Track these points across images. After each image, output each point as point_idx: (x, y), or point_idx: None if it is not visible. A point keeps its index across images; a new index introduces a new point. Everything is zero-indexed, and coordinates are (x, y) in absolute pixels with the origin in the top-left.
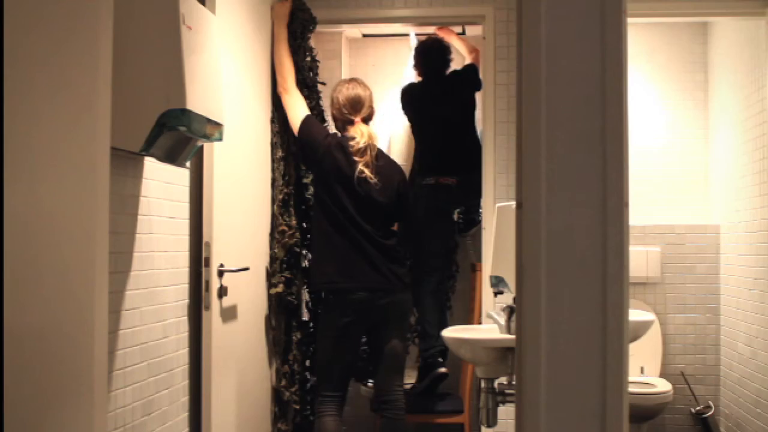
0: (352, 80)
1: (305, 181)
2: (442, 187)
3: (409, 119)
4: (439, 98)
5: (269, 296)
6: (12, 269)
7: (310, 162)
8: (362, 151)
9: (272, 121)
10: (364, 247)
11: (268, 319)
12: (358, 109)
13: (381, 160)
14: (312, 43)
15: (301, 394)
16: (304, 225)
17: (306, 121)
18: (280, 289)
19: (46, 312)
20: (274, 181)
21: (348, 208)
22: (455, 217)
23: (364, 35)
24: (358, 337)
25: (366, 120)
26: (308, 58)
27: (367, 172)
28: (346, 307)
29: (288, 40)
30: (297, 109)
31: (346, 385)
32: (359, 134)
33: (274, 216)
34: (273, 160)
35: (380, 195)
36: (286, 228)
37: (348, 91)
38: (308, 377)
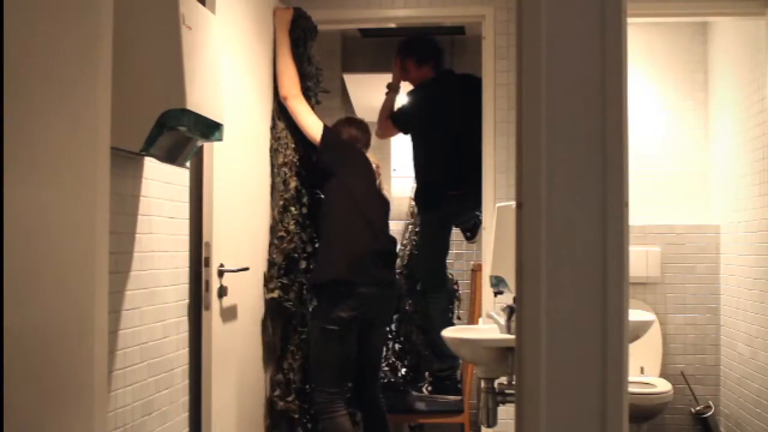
0: (350, 122)
1: (316, 190)
2: (460, 199)
3: (421, 123)
4: (456, 98)
5: (265, 301)
6: (12, 269)
7: (339, 162)
8: (376, 171)
9: (272, 128)
10: (376, 244)
11: (263, 324)
12: (367, 144)
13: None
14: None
15: (300, 404)
16: (303, 231)
17: (328, 127)
18: (275, 294)
19: (46, 312)
20: (274, 186)
21: (369, 206)
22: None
23: (364, 35)
24: (356, 333)
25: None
26: (311, 67)
27: (385, 185)
28: (354, 300)
29: (291, 47)
30: (312, 115)
31: (350, 380)
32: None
33: (273, 221)
34: (273, 166)
35: (387, 200)
36: (284, 234)
37: (346, 133)
38: (307, 388)
